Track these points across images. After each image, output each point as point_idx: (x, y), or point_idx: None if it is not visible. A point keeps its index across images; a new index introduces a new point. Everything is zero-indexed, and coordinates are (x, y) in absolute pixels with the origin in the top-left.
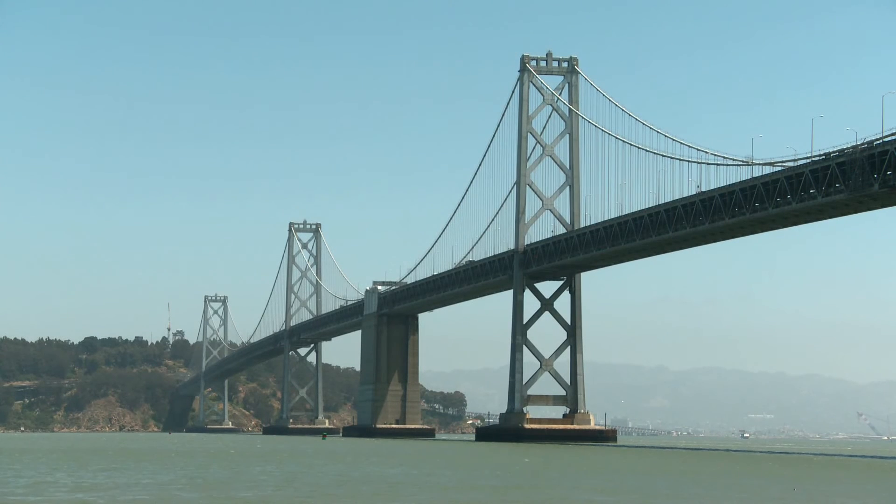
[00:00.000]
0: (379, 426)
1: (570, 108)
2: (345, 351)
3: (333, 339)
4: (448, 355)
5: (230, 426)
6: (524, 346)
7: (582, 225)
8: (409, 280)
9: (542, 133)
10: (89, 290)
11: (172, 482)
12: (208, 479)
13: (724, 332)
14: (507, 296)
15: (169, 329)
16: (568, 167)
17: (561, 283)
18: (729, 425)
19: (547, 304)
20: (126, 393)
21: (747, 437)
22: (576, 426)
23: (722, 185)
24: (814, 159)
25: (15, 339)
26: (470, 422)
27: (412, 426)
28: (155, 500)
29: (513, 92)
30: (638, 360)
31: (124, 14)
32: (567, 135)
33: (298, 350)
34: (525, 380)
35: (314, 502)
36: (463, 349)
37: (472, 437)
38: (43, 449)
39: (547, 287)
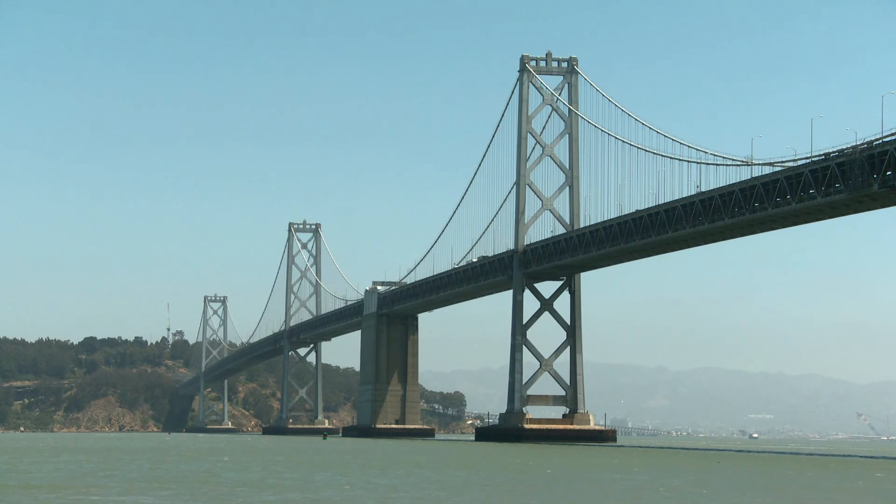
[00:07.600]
0: (378, 426)
1: (569, 109)
2: (345, 351)
3: (333, 339)
4: (448, 355)
5: (230, 426)
6: (524, 346)
7: (582, 225)
8: (409, 280)
9: (541, 133)
10: (89, 290)
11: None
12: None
13: (723, 332)
14: (506, 296)
15: (168, 329)
16: (567, 167)
17: (560, 283)
18: (729, 425)
19: (547, 305)
20: (126, 393)
21: (755, 438)
22: (575, 426)
23: (721, 185)
24: (813, 159)
25: (15, 339)
26: (469, 422)
27: (412, 426)
28: None
29: (512, 92)
30: (637, 360)
31: (125, 15)
32: (567, 135)
33: (298, 350)
34: (525, 380)
35: None
36: (463, 349)
37: (472, 437)
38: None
39: (547, 287)
